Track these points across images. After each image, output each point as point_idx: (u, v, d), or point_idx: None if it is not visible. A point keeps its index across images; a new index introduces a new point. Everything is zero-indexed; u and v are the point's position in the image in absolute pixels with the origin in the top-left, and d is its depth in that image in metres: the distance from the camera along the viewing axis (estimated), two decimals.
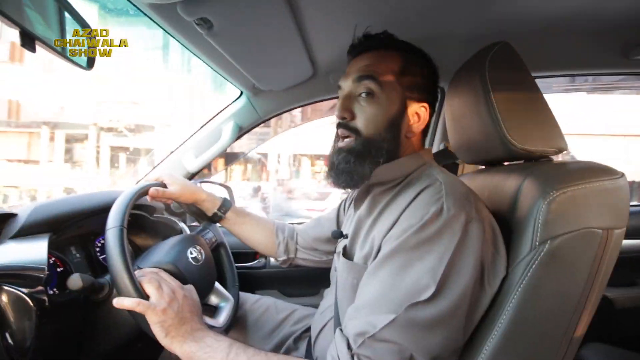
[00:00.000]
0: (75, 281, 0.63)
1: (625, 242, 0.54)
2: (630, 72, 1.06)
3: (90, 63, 0.55)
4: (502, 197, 0.61)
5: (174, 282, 0.66)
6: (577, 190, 0.51)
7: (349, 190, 0.69)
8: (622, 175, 0.54)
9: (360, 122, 0.64)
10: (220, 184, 1.20)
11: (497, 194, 0.63)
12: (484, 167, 0.81)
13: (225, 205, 0.94)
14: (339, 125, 0.66)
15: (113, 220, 0.64)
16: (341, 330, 0.56)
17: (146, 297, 0.60)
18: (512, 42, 0.65)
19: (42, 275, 0.62)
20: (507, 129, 0.60)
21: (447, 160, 1.13)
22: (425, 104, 0.66)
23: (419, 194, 0.58)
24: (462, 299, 0.51)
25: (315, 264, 0.98)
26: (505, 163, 0.73)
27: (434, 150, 1.19)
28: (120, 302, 0.58)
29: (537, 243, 0.51)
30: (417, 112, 0.66)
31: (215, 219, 0.94)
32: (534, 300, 0.51)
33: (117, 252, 0.60)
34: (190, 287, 0.68)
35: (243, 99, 1.17)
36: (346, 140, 0.65)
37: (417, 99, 0.66)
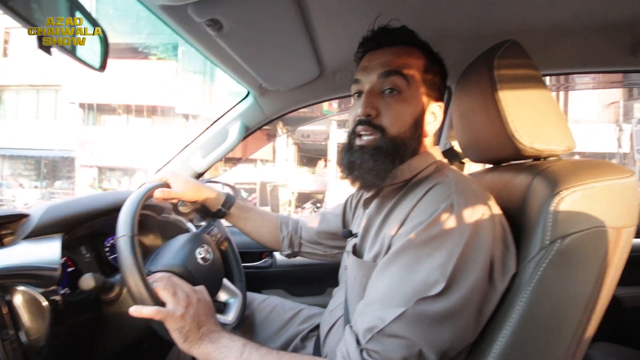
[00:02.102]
0: (88, 281, 0.63)
1: (634, 241, 0.54)
2: (638, 69, 1.05)
3: (103, 64, 0.56)
4: (511, 195, 0.61)
5: (187, 287, 0.66)
6: (588, 188, 0.51)
7: (372, 190, 0.67)
8: (632, 174, 0.53)
9: (386, 120, 0.62)
10: (225, 184, 1.21)
11: (506, 193, 0.63)
12: (490, 166, 0.80)
13: (229, 201, 0.95)
14: (360, 122, 0.63)
15: (123, 227, 0.64)
16: (351, 326, 0.56)
17: (162, 304, 0.61)
18: (520, 40, 0.65)
19: (56, 275, 0.62)
20: (515, 127, 0.60)
21: (453, 159, 1.13)
22: (441, 103, 0.67)
23: (428, 190, 0.58)
24: (472, 295, 0.51)
25: (319, 258, 0.99)
26: (513, 162, 0.72)
27: (440, 149, 1.19)
28: (139, 311, 0.59)
29: (548, 242, 0.51)
30: (434, 111, 0.66)
31: (219, 215, 0.95)
32: (544, 299, 0.51)
33: (130, 261, 0.60)
34: (202, 289, 0.69)
35: (250, 99, 1.17)
36: (369, 137, 0.62)
37: (435, 97, 0.66)
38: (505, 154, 0.66)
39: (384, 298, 0.53)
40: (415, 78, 0.63)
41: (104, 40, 0.56)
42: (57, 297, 0.62)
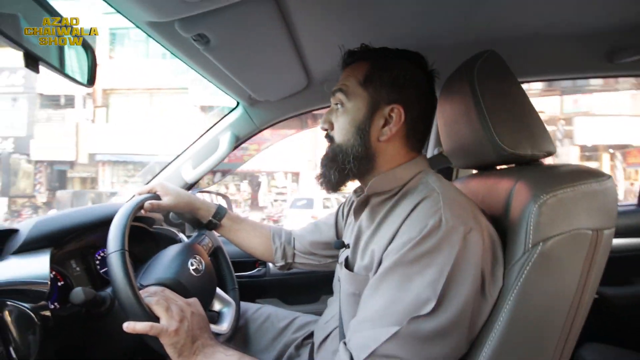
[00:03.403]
0: (78, 295, 0.63)
1: (620, 241, 0.55)
2: (614, 75, 1.09)
3: (91, 80, 0.57)
4: (495, 200, 0.62)
5: (180, 300, 0.66)
6: (567, 192, 0.52)
7: (330, 192, 0.72)
8: (610, 177, 0.55)
9: (335, 132, 0.69)
10: (218, 193, 1.21)
11: (491, 198, 0.65)
12: (476, 171, 0.82)
13: (220, 212, 0.95)
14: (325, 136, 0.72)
15: (113, 243, 0.64)
16: (345, 343, 0.56)
17: (156, 319, 0.61)
18: (500, 48, 0.66)
19: (45, 290, 0.62)
20: (497, 134, 0.61)
21: (442, 165, 1.15)
22: (397, 105, 0.64)
23: (416, 205, 0.58)
24: (464, 311, 0.51)
25: (314, 267, 0.99)
26: (497, 167, 0.74)
27: (429, 155, 1.21)
28: (133, 327, 0.59)
29: (530, 246, 0.52)
30: (390, 114, 0.65)
31: (210, 226, 0.95)
32: (529, 302, 0.52)
33: (122, 277, 0.60)
34: (195, 302, 0.69)
35: (239, 109, 1.18)
36: (326, 148, 0.71)
37: (386, 101, 0.65)
38: (488, 160, 0.67)
39: (377, 317, 0.53)
40: (354, 89, 0.67)
41: (91, 55, 0.57)
42: (47, 313, 0.62)
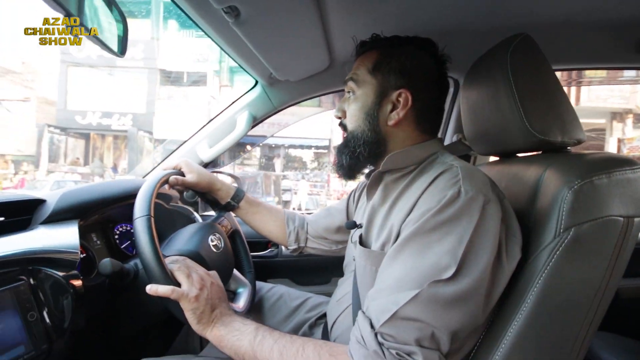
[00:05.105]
0: (106, 265, 0.64)
1: None
2: None
3: (123, 49, 0.56)
4: (522, 186, 0.62)
5: (201, 270, 0.68)
6: (602, 179, 0.52)
7: (345, 179, 0.75)
8: None
9: (347, 119, 0.71)
10: (230, 175, 1.21)
11: (516, 184, 0.64)
12: (497, 159, 0.82)
13: (239, 194, 0.96)
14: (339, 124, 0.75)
15: (140, 209, 0.65)
16: (363, 312, 0.57)
17: (177, 284, 0.62)
18: (529, 34, 0.65)
19: (76, 260, 0.63)
20: (527, 119, 0.61)
21: (459, 152, 1.14)
22: (404, 90, 0.66)
23: (435, 178, 0.59)
24: (482, 278, 0.52)
25: (324, 252, 1.01)
26: (520, 154, 0.74)
27: (447, 142, 1.20)
28: (155, 289, 0.60)
29: (562, 230, 0.52)
30: (397, 98, 0.66)
31: (228, 207, 0.96)
32: (557, 286, 0.53)
33: (147, 240, 0.62)
34: (214, 273, 0.70)
35: (258, 88, 1.17)
36: (342, 136, 0.74)
37: (394, 87, 0.67)
38: (514, 146, 0.66)
39: (396, 283, 0.53)
40: (363, 77, 0.69)
41: (124, 25, 0.56)
42: (78, 281, 0.63)
